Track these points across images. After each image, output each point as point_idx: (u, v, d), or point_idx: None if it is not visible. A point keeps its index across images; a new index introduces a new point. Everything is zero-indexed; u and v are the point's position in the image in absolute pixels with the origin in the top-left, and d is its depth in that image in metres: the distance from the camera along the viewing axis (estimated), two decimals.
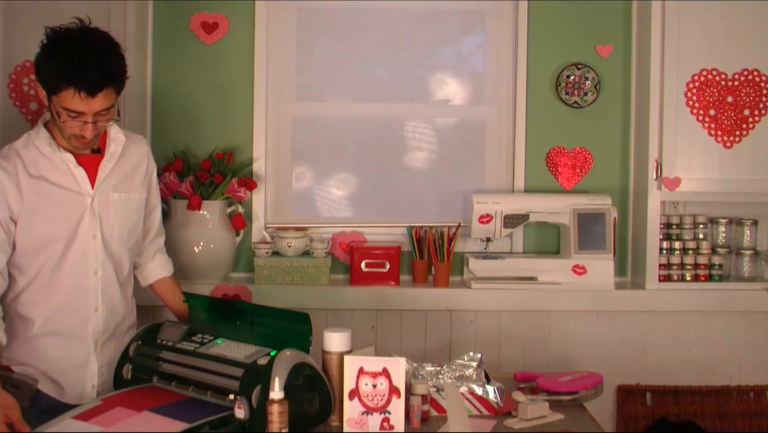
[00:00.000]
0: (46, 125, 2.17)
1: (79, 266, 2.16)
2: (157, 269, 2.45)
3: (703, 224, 3.12)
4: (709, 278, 3.08)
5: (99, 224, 2.18)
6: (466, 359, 2.11)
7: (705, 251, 3.09)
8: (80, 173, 2.15)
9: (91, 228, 2.16)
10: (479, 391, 2.04)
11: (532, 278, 3.03)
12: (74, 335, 2.18)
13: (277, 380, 1.74)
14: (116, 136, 2.23)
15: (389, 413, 1.84)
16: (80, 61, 2.00)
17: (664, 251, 3.07)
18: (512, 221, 3.00)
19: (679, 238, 3.09)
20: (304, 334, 1.91)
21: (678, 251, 3.08)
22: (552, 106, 3.16)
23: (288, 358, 1.81)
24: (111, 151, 2.21)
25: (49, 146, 2.13)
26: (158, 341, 2.06)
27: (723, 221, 3.13)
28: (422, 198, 3.21)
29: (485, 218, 2.99)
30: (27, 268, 2.14)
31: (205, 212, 2.93)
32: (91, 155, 2.18)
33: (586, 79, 3.12)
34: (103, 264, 2.19)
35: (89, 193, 2.16)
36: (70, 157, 2.14)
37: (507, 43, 3.18)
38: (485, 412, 2.04)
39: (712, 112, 2.99)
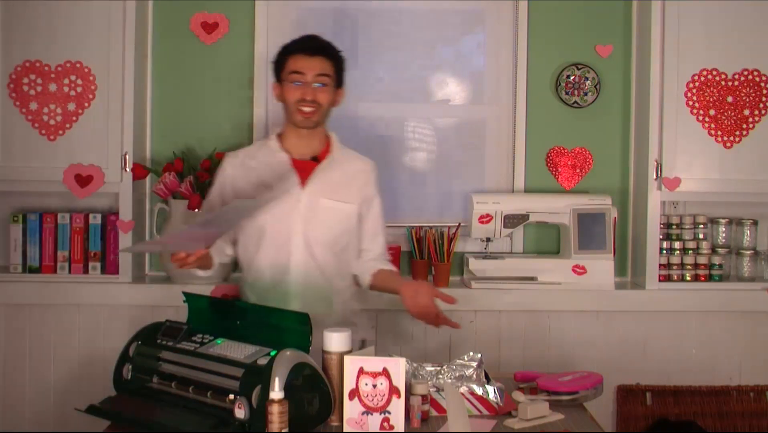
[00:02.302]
0: (278, 135, 2.43)
1: (280, 257, 2.34)
2: (371, 271, 2.45)
3: (703, 224, 3.12)
4: (709, 278, 3.08)
5: (304, 224, 2.34)
6: (466, 359, 2.10)
7: (705, 251, 3.09)
8: (292, 174, 2.35)
9: (294, 225, 2.34)
10: (479, 391, 2.04)
11: (532, 278, 3.03)
12: None
13: (277, 380, 1.74)
14: (334, 150, 2.42)
15: (389, 413, 1.84)
16: (307, 36, 2.39)
17: (664, 251, 3.07)
18: (512, 221, 3.00)
19: (679, 238, 3.09)
20: (304, 334, 1.91)
21: (678, 251, 3.08)
22: (552, 106, 3.16)
23: (288, 358, 1.81)
24: (326, 161, 2.39)
25: (272, 147, 2.39)
26: (158, 341, 2.06)
27: (723, 220, 3.13)
28: (422, 198, 3.21)
29: (485, 218, 2.99)
30: (243, 251, 2.41)
31: None
32: (308, 162, 2.38)
33: (586, 79, 3.12)
34: (304, 260, 2.35)
35: (298, 193, 2.34)
36: (286, 158, 2.37)
37: (507, 43, 3.18)
38: (485, 412, 2.04)
39: (712, 112, 2.99)
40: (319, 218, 2.35)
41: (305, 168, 2.37)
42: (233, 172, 2.41)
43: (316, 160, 2.39)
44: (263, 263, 2.36)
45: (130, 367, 2.05)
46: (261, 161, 2.39)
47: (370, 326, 2.67)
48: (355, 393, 1.84)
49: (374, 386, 1.83)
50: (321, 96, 2.33)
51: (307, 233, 2.34)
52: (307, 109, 2.32)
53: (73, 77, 2.89)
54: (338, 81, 2.39)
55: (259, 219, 2.32)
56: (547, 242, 3.19)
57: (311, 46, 2.34)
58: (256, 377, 1.80)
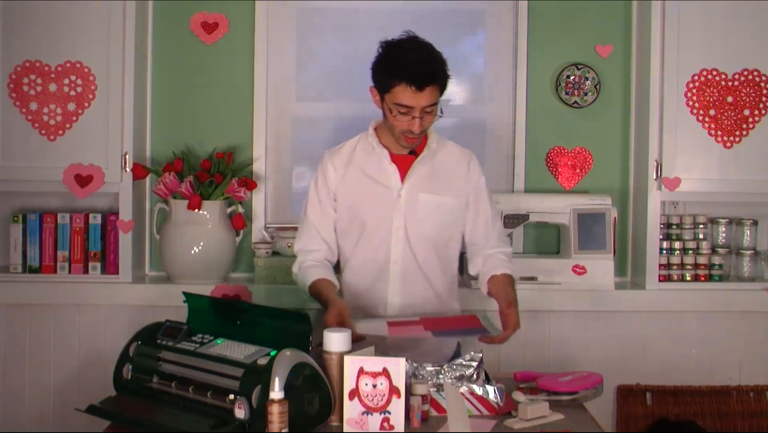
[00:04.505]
0: (375, 129, 2.38)
1: (380, 253, 2.32)
2: (486, 273, 2.42)
3: (703, 224, 3.12)
4: (709, 278, 3.08)
5: (404, 219, 2.31)
6: (466, 359, 2.10)
7: (705, 251, 3.09)
8: (392, 169, 2.32)
9: (396, 220, 2.31)
10: (479, 391, 2.04)
11: (532, 278, 3.02)
12: (372, 315, 2.33)
13: (277, 380, 1.74)
14: (431, 142, 2.36)
15: (389, 413, 1.84)
16: (411, 60, 2.20)
17: (664, 251, 3.07)
18: (512, 220, 3.00)
19: (679, 238, 3.09)
20: (304, 334, 1.91)
21: (678, 251, 3.08)
22: (552, 106, 3.16)
23: (288, 358, 1.81)
24: (423, 154, 2.33)
25: (372, 142, 2.34)
26: (158, 341, 2.06)
27: (723, 220, 3.13)
28: None
29: None
30: (342, 248, 2.37)
31: (205, 212, 2.93)
32: (407, 156, 2.33)
33: (586, 79, 3.12)
34: (403, 256, 2.32)
35: (397, 188, 2.31)
36: (385, 153, 2.33)
37: (507, 43, 3.18)
38: (485, 412, 2.03)
39: (712, 112, 2.99)
40: (420, 212, 2.31)
41: (404, 162, 2.33)
42: (339, 171, 2.35)
43: (414, 153, 2.33)
44: (362, 259, 2.34)
45: (130, 367, 2.05)
46: (362, 156, 2.35)
47: None
48: (355, 393, 1.84)
49: (374, 386, 1.83)
50: (428, 121, 2.25)
51: (408, 228, 2.31)
52: (413, 137, 2.25)
53: (73, 77, 2.89)
54: (442, 92, 2.26)
55: (361, 213, 2.31)
56: (547, 242, 3.19)
57: (421, 79, 2.17)
58: (256, 377, 1.79)
